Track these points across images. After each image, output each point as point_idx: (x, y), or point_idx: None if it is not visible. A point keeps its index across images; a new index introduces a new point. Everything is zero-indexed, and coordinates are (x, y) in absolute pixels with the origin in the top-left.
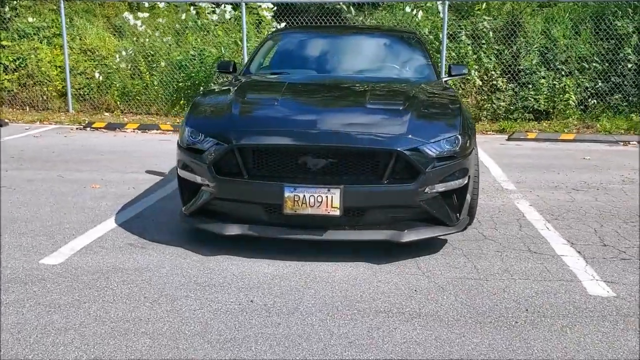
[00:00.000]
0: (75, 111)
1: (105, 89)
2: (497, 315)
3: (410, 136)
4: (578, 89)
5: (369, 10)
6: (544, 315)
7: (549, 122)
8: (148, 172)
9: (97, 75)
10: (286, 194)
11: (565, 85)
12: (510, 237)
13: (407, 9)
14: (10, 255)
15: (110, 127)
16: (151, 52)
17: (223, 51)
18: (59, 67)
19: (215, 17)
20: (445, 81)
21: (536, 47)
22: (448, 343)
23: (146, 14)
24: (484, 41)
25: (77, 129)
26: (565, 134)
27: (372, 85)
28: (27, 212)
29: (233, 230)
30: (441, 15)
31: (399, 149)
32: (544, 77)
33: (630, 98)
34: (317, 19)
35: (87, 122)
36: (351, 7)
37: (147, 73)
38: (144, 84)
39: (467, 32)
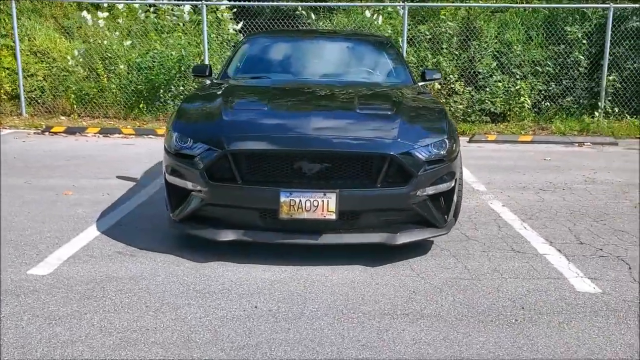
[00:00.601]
0: (28, 115)
1: (60, 92)
2: (496, 313)
3: (402, 140)
4: (532, 92)
5: (324, 14)
6: (540, 313)
7: (505, 124)
8: (119, 177)
9: (49, 78)
10: (282, 199)
11: (520, 88)
12: (492, 237)
13: (367, 14)
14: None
15: (70, 131)
16: (108, 54)
17: (183, 53)
18: (8, 69)
19: (174, 18)
20: (422, 85)
21: (491, 52)
22: (456, 343)
23: (105, 14)
24: (444, 45)
25: (34, 133)
26: (523, 136)
27: (355, 89)
28: (2, 221)
29: (227, 235)
30: (401, 19)
31: (392, 153)
32: (500, 81)
33: (580, 100)
34: (273, 22)
35: (44, 126)
36: (311, 12)
37: (105, 76)
38: (101, 87)
39: (426, 37)
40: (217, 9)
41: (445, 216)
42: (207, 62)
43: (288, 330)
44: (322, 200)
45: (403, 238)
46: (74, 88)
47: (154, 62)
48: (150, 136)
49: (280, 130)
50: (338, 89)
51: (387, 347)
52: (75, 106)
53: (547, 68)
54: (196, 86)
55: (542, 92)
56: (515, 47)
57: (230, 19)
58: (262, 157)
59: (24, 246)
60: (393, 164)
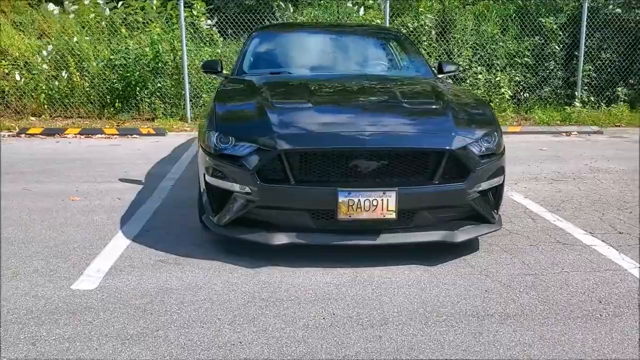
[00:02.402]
0: None
1: (29, 92)
2: (579, 309)
3: (457, 135)
4: (510, 83)
5: (302, 6)
6: (619, 306)
7: None
8: (122, 180)
9: (17, 77)
10: (340, 199)
11: (500, 79)
12: (533, 230)
13: (349, 4)
14: (32, 282)
15: (48, 133)
16: (78, 52)
17: (161, 49)
18: None
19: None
20: (444, 78)
21: (470, 44)
22: (557, 342)
23: (74, 7)
24: (423, 39)
25: (9, 136)
26: (512, 127)
27: (387, 82)
28: (17, 231)
29: (281, 239)
30: (380, 11)
31: (451, 148)
32: (480, 73)
33: (558, 90)
34: (247, 16)
35: (17, 128)
36: (289, 4)
37: (78, 74)
38: (72, 86)
39: (408, 30)
40: (193, 4)
41: (495, 211)
42: (185, 58)
43: (380, 338)
44: (382, 199)
45: (462, 236)
46: (43, 87)
47: (128, 58)
48: (135, 136)
49: (333, 128)
50: (370, 82)
51: (490, 351)
52: (46, 106)
53: (525, 59)
54: (172, 84)
55: (521, 83)
56: (492, 39)
57: (202, 13)
58: (316, 156)
59: (54, 258)
60: (451, 160)
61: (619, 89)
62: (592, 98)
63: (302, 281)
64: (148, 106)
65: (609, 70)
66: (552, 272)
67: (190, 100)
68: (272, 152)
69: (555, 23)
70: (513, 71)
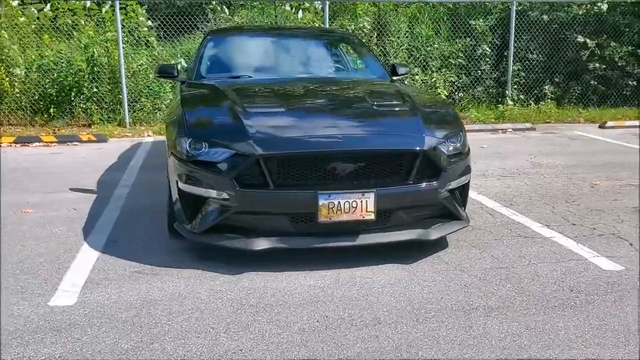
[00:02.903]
0: None
1: None
2: (554, 298)
3: (429, 135)
4: (445, 84)
5: (234, 8)
6: (590, 294)
7: None
8: (73, 189)
9: None
10: (320, 202)
11: (435, 80)
12: (494, 226)
13: (287, 7)
14: (4, 300)
15: None
16: (7, 57)
17: (95, 53)
18: None
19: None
20: (399, 80)
21: (405, 47)
22: (542, 331)
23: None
24: (364, 40)
25: None
26: None
27: (351, 85)
28: None
29: (261, 244)
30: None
31: (424, 149)
32: (416, 74)
33: (489, 90)
34: (176, 18)
35: None
36: (224, 6)
37: (7, 79)
38: (0, 92)
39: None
40: (127, 5)
41: (463, 208)
42: (122, 62)
43: (377, 337)
44: (361, 201)
45: (436, 233)
46: None
47: (61, 62)
48: (75, 143)
49: (310, 131)
50: (333, 85)
51: (484, 343)
52: None
53: (459, 60)
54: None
55: (455, 83)
56: (426, 41)
57: (143, 16)
58: (294, 160)
59: (21, 274)
60: (424, 160)
61: (546, 87)
62: (521, 96)
63: (286, 285)
64: (84, 112)
65: (536, 69)
66: (521, 264)
67: (129, 105)
68: (250, 157)
69: (486, 25)
70: (448, 72)
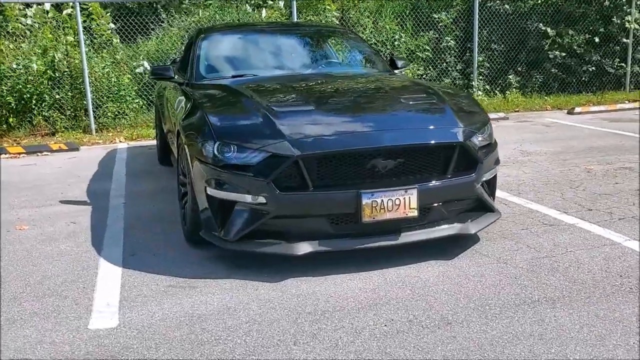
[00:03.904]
0: None
1: None
2: (609, 285)
3: (463, 127)
4: (413, 77)
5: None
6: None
7: None
8: (63, 202)
9: None
10: (364, 201)
11: (404, 74)
12: (513, 215)
13: (248, 7)
14: (38, 327)
15: None
16: None
17: (56, 57)
18: None
19: (29, 20)
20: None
21: (372, 42)
22: (615, 319)
23: None
24: None
25: None
26: None
27: (365, 79)
28: None
29: (304, 248)
30: (288, 11)
31: (462, 141)
32: None
33: (456, 81)
34: (128, 19)
35: None
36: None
37: None
38: None
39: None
40: (88, 7)
41: (493, 200)
42: (85, 66)
43: (455, 338)
44: (404, 198)
45: (474, 227)
46: None
47: (18, 69)
48: (46, 153)
49: (346, 129)
50: (347, 80)
51: (564, 336)
52: None
53: (426, 53)
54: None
55: (423, 76)
56: (392, 35)
57: (103, 17)
58: (334, 159)
59: (46, 297)
60: (462, 152)
61: (510, 76)
62: (487, 87)
63: (336, 290)
64: (45, 120)
65: (499, 60)
66: (559, 253)
67: (93, 111)
68: (288, 159)
69: (448, 18)
70: (415, 65)
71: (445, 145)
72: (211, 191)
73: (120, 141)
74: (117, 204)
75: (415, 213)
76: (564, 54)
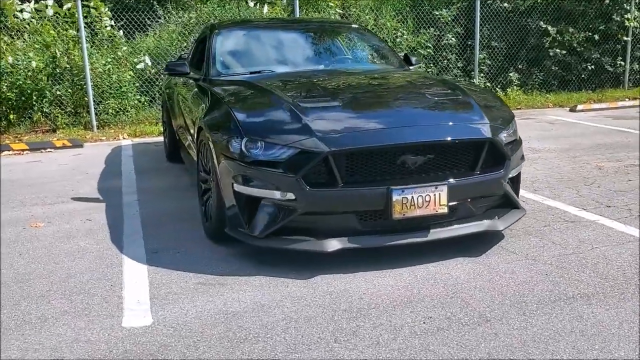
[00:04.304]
0: None
1: None
2: None
3: (491, 123)
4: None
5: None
6: None
7: None
8: (75, 199)
9: None
10: (394, 198)
11: None
12: (533, 212)
13: (250, 3)
14: (71, 325)
15: None
16: None
17: (57, 53)
18: None
19: (26, 15)
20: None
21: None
22: None
23: None
24: None
25: None
26: None
27: (385, 75)
28: (5, 270)
29: (334, 245)
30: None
31: (492, 137)
32: None
33: (457, 79)
34: (125, 14)
35: None
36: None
37: None
38: None
39: None
40: (89, 2)
41: (517, 196)
42: (86, 62)
43: (497, 335)
44: (434, 194)
45: (502, 223)
46: None
47: (18, 65)
48: (49, 150)
49: (375, 125)
50: (367, 76)
51: (606, 332)
52: None
53: (428, 50)
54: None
55: None
56: (394, 32)
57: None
58: (363, 156)
59: (75, 295)
60: (491, 148)
61: (511, 74)
62: (488, 84)
63: (368, 287)
64: (46, 116)
65: (499, 57)
66: (586, 249)
67: (94, 108)
68: (318, 155)
69: (449, 15)
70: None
71: (475, 142)
72: (238, 187)
73: (124, 138)
74: (131, 201)
75: (445, 210)
76: (564, 52)
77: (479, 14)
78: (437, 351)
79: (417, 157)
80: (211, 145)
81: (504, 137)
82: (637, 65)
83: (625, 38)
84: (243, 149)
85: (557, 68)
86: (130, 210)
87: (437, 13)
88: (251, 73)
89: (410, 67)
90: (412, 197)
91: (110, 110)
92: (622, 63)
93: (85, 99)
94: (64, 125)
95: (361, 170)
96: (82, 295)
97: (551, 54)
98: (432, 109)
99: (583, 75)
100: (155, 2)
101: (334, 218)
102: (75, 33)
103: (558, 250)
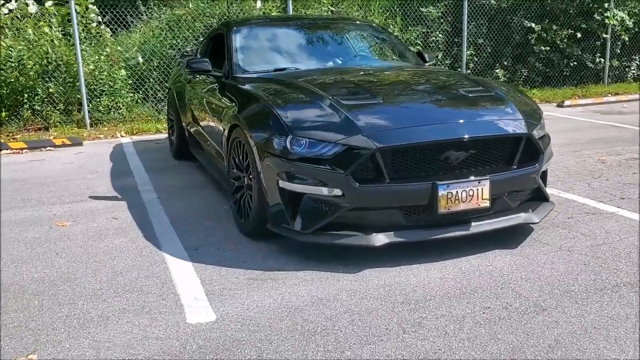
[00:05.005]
0: None
1: None
2: None
3: (526, 119)
4: None
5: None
6: None
7: None
8: (93, 197)
9: None
10: (440, 192)
11: None
12: (557, 204)
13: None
14: (136, 323)
15: None
16: None
17: (50, 51)
18: None
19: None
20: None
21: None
22: None
23: None
24: None
25: None
26: None
27: (413, 72)
28: (41, 268)
29: (382, 240)
30: (283, 4)
31: (528, 132)
32: None
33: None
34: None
35: None
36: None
37: None
38: None
39: None
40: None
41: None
42: (79, 59)
43: (557, 323)
44: (477, 189)
45: (537, 216)
46: None
47: (10, 62)
48: (49, 148)
49: (418, 121)
50: (396, 73)
51: None
52: None
53: (417, 47)
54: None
55: None
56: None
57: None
58: (411, 152)
59: (127, 293)
60: (527, 143)
61: (497, 71)
62: None
63: (418, 280)
64: (38, 114)
65: (485, 54)
66: (616, 240)
67: (87, 105)
68: (366, 151)
69: (437, 12)
70: None
71: (514, 137)
72: (283, 184)
73: (122, 135)
74: (151, 199)
75: (487, 204)
76: (547, 49)
77: (466, 11)
78: (505, 339)
79: (460, 153)
80: (251, 143)
81: (537, 133)
82: (617, 62)
83: (604, 35)
84: (288, 146)
85: (540, 65)
86: (154, 208)
87: (425, 10)
88: (275, 70)
89: (425, 64)
90: (457, 191)
91: (100, 108)
92: (602, 60)
93: (78, 96)
94: (57, 124)
95: (406, 166)
96: (136, 293)
97: (536, 50)
98: (469, 106)
99: (565, 72)
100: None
101: (378, 213)
102: (59, 30)
103: (588, 241)
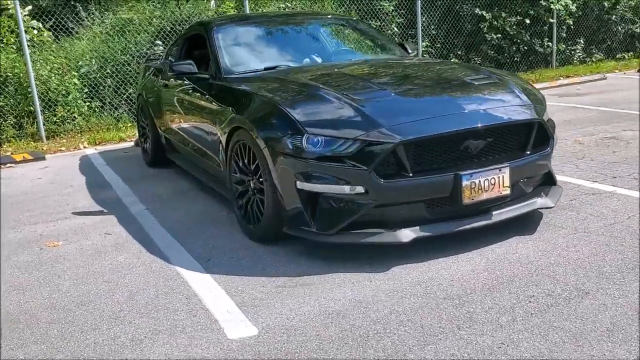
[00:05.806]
0: None
1: None
2: None
3: (534, 105)
4: None
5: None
6: None
7: None
8: (76, 214)
9: None
10: (464, 183)
11: None
12: None
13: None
14: (173, 343)
15: None
16: None
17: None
18: None
19: None
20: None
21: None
22: None
23: None
24: None
25: None
26: None
27: (407, 63)
28: (47, 292)
29: (408, 235)
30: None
31: (540, 118)
32: None
33: None
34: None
35: None
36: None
37: None
38: None
39: None
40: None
41: None
42: (30, 68)
43: (605, 305)
44: (498, 177)
45: (551, 200)
46: None
47: None
48: (10, 165)
49: (435, 112)
50: (394, 65)
51: None
52: None
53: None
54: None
55: None
56: None
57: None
58: (432, 143)
59: (154, 312)
60: (539, 129)
61: (452, 60)
62: None
63: (450, 273)
64: None
65: (438, 45)
66: (624, 218)
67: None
68: (388, 146)
69: (390, 5)
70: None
71: (528, 123)
72: (302, 185)
73: (85, 146)
74: (140, 211)
75: (508, 191)
76: (498, 36)
77: (420, 3)
78: (563, 327)
79: (479, 142)
80: (260, 145)
81: (544, 118)
82: (563, 46)
83: (551, 20)
84: (305, 145)
85: (492, 52)
86: (147, 220)
87: (378, 4)
88: (267, 69)
89: (409, 55)
90: (480, 181)
91: (54, 119)
92: (550, 44)
93: (30, 108)
94: (10, 138)
95: (427, 158)
96: (162, 311)
97: (487, 38)
98: (480, 94)
99: (516, 57)
100: (78, 4)
101: (401, 208)
102: (14, 39)
103: (600, 221)
